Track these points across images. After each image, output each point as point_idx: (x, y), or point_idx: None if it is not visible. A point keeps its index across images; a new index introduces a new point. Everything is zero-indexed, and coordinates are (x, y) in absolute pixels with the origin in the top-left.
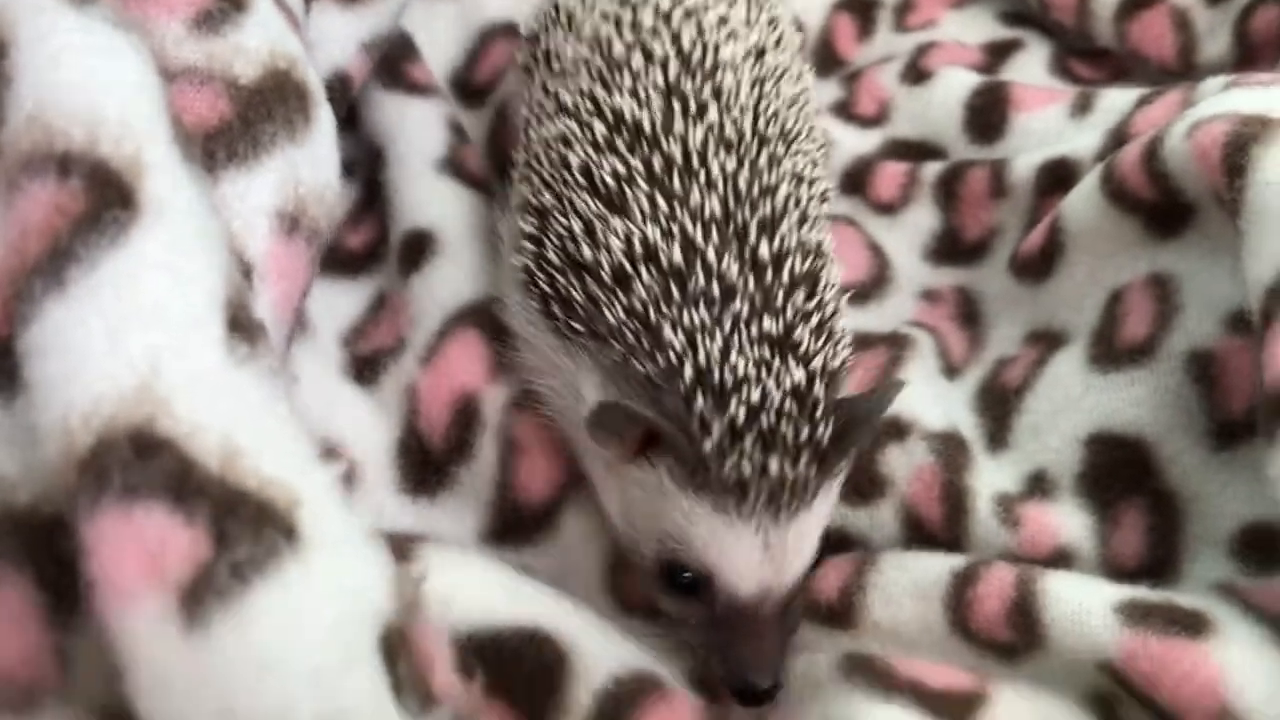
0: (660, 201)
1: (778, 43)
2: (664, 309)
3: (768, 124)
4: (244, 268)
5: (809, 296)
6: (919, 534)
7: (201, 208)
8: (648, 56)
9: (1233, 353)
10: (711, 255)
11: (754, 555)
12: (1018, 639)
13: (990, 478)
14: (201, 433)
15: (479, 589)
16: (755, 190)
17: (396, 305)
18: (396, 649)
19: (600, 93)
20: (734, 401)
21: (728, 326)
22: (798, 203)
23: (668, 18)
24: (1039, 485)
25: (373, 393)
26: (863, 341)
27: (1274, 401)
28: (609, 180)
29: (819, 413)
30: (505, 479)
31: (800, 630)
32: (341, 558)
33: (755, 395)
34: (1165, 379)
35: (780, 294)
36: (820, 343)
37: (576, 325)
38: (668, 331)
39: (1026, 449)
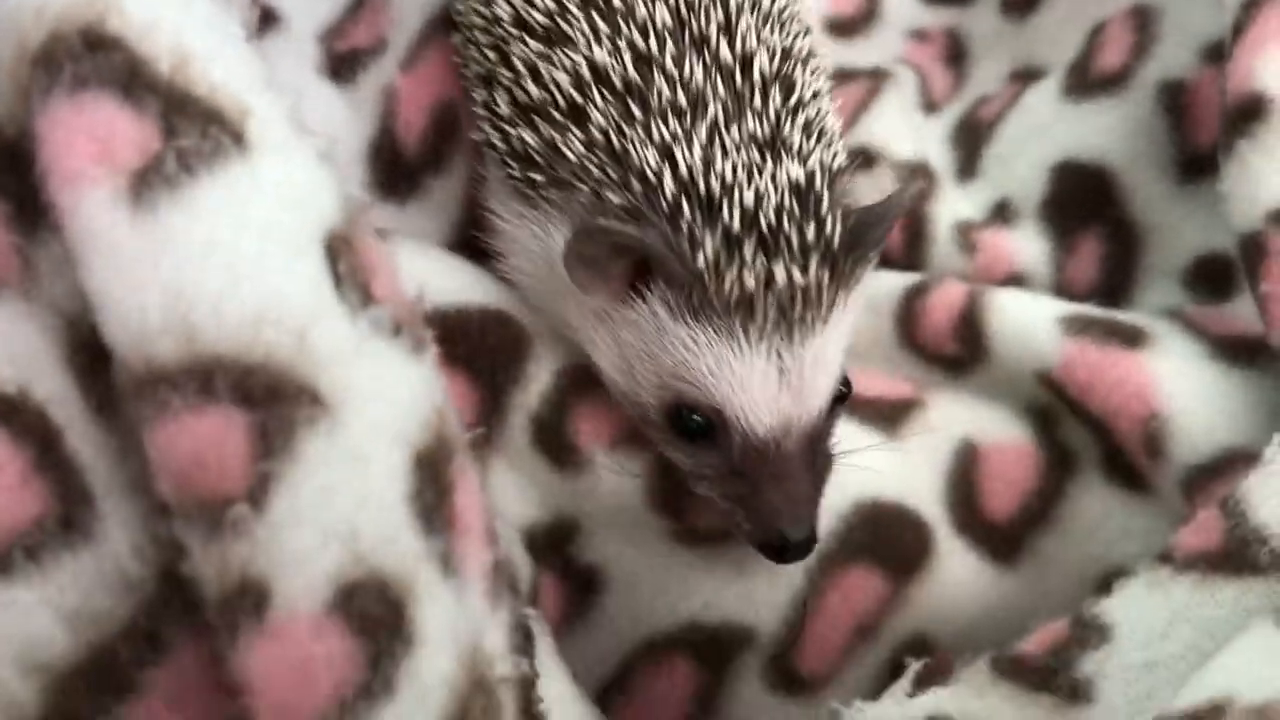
0: (601, 24)
1: None
2: (626, 131)
3: None
4: None
5: (787, 97)
6: (882, 257)
7: None
8: None
9: (1205, 83)
10: (670, 64)
11: (768, 382)
12: (963, 350)
13: (954, 206)
14: (152, 35)
15: (447, 273)
16: None
17: (377, 4)
18: (339, 250)
19: None
20: (725, 208)
21: (704, 134)
22: (755, 6)
23: None
24: (1002, 213)
25: (348, 91)
26: (845, 75)
27: (1233, 113)
28: (540, 17)
29: (825, 210)
30: (474, 198)
31: None
32: (290, 166)
33: (749, 197)
34: (1135, 108)
35: (756, 95)
36: (813, 142)
37: (536, 176)
38: (636, 152)
39: (994, 178)
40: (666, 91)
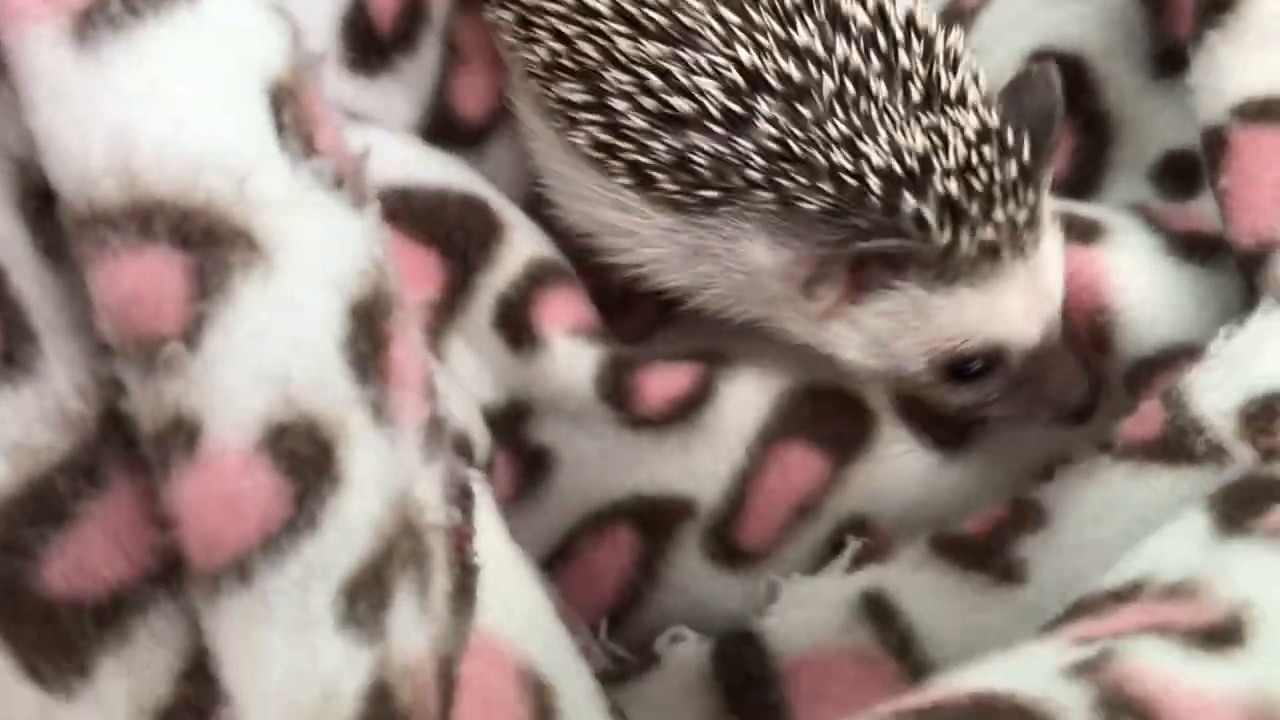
0: (727, 12)
1: None
2: (799, 133)
3: None
4: None
5: (924, 43)
6: None
7: None
8: None
9: None
10: (821, 50)
11: (1031, 303)
12: None
13: None
14: None
15: (427, 158)
16: None
17: None
18: (284, 100)
19: None
20: (934, 179)
21: (876, 115)
22: None
23: None
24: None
25: None
26: None
27: (1205, 3)
28: (652, 13)
29: (1010, 138)
30: (444, 85)
31: None
32: (237, 11)
33: (949, 161)
34: (1114, 0)
35: (901, 53)
36: (960, 73)
37: (706, 193)
38: (819, 153)
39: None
40: (830, 83)
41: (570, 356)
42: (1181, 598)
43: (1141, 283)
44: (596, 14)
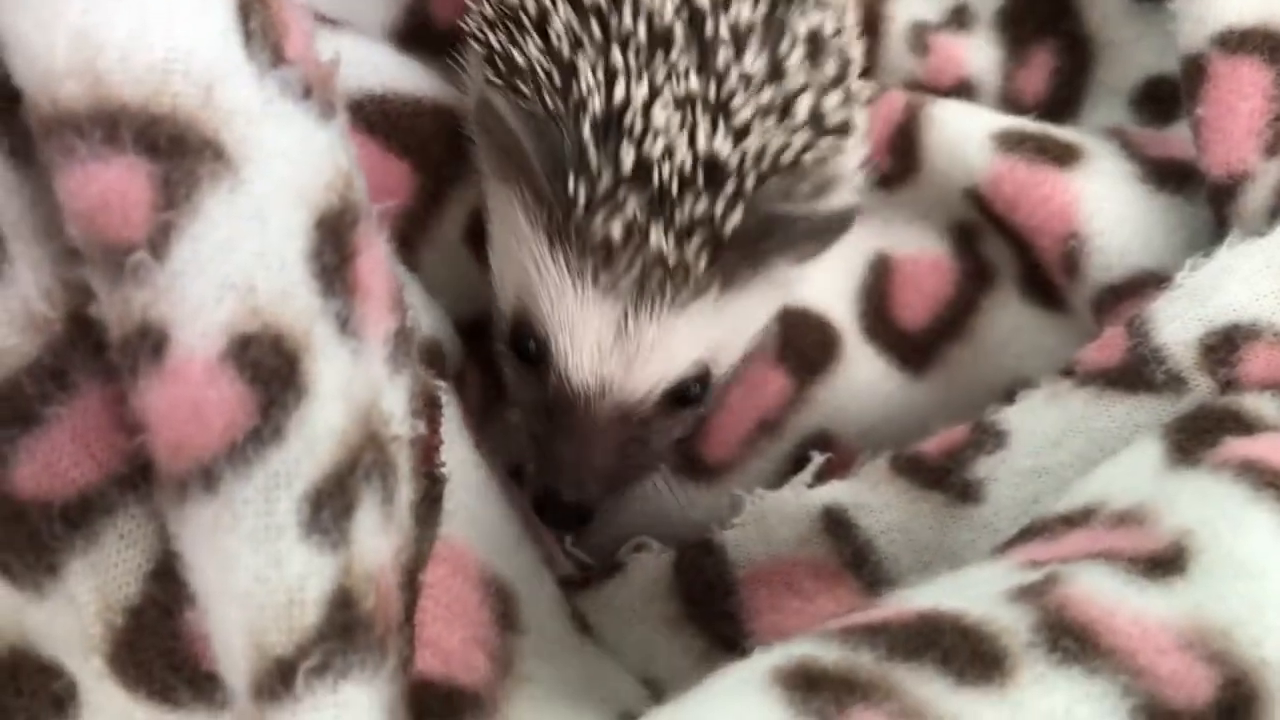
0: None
1: None
2: (580, 46)
3: None
4: None
5: (773, 75)
6: None
7: None
8: None
9: None
10: None
11: (602, 333)
12: (897, 164)
13: (911, 7)
14: None
15: (402, 68)
16: None
17: None
18: (250, 7)
19: None
20: (629, 148)
21: (659, 77)
22: None
23: None
24: (959, 17)
25: None
26: None
27: None
28: None
29: (729, 191)
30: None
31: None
32: None
33: (657, 148)
34: None
35: (722, 56)
36: (768, 125)
37: (494, 77)
38: (584, 66)
39: None
40: (628, 22)
41: None
42: (1129, 525)
43: (1113, 209)
44: None
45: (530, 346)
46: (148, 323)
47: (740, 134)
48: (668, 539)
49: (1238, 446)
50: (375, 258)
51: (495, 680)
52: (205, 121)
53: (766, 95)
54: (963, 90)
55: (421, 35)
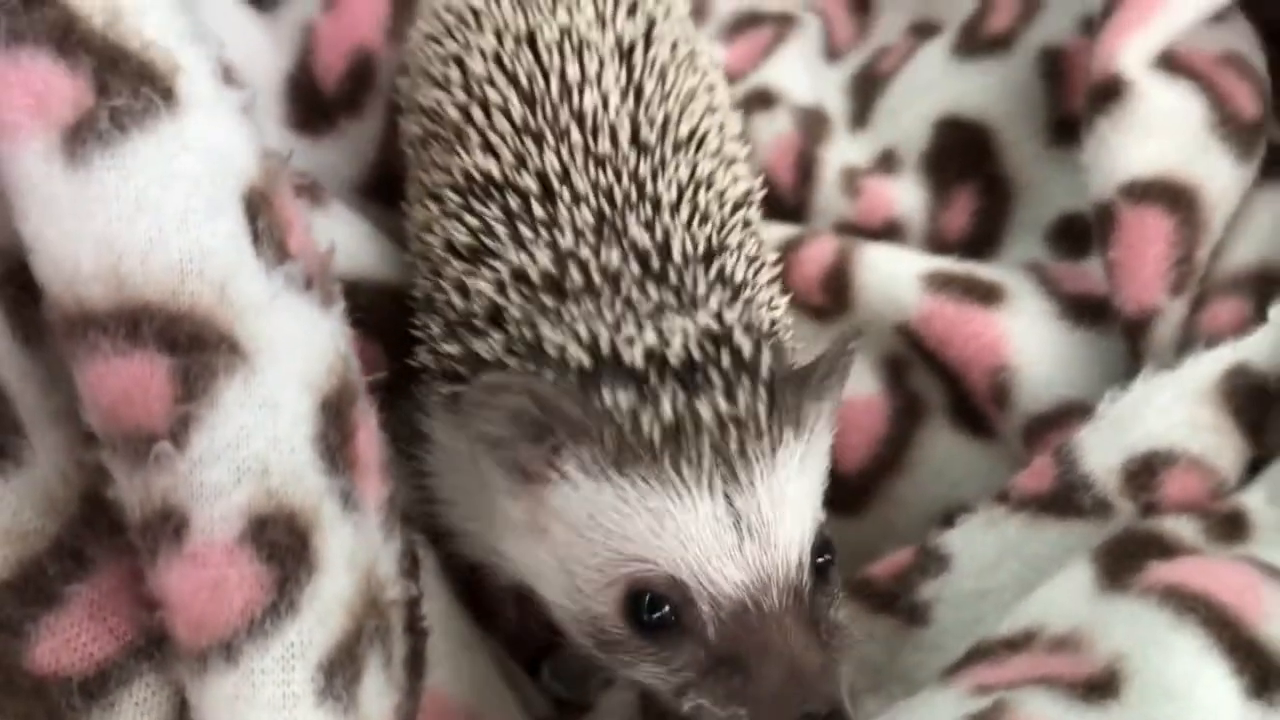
0: (525, 231)
1: (649, 30)
2: (539, 321)
3: (653, 129)
4: None
5: (712, 275)
6: (771, 195)
7: None
8: (485, 109)
9: (1082, 53)
10: (586, 253)
11: (723, 529)
12: (829, 301)
13: (844, 152)
14: None
15: (368, 246)
16: (634, 197)
17: None
18: (258, 207)
19: (452, 160)
20: (630, 354)
21: (618, 307)
22: (695, 208)
23: (498, 58)
24: (886, 162)
25: (269, 20)
26: (753, 19)
27: (1096, 90)
28: (465, 239)
29: (744, 346)
30: (390, 141)
31: None
32: (214, 122)
33: (651, 337)
34: (1017, 71)
35: (672, 273)
36: (736, 306)
37: (459, 389)
38: (549, 336)
39: (882, 129)
40: (578, 278)
41: None
42: (1067, 650)
43: (1037, 344)
44: (431, 246)
45: (655, 611)
46: (169, 507)
47: (718, 313)
48: None
49: (1162, 571)
50: (369, 430)
51: None
52: (220, 317)
53: (724, 292)
54: (891, 230)
55: (387, 188)
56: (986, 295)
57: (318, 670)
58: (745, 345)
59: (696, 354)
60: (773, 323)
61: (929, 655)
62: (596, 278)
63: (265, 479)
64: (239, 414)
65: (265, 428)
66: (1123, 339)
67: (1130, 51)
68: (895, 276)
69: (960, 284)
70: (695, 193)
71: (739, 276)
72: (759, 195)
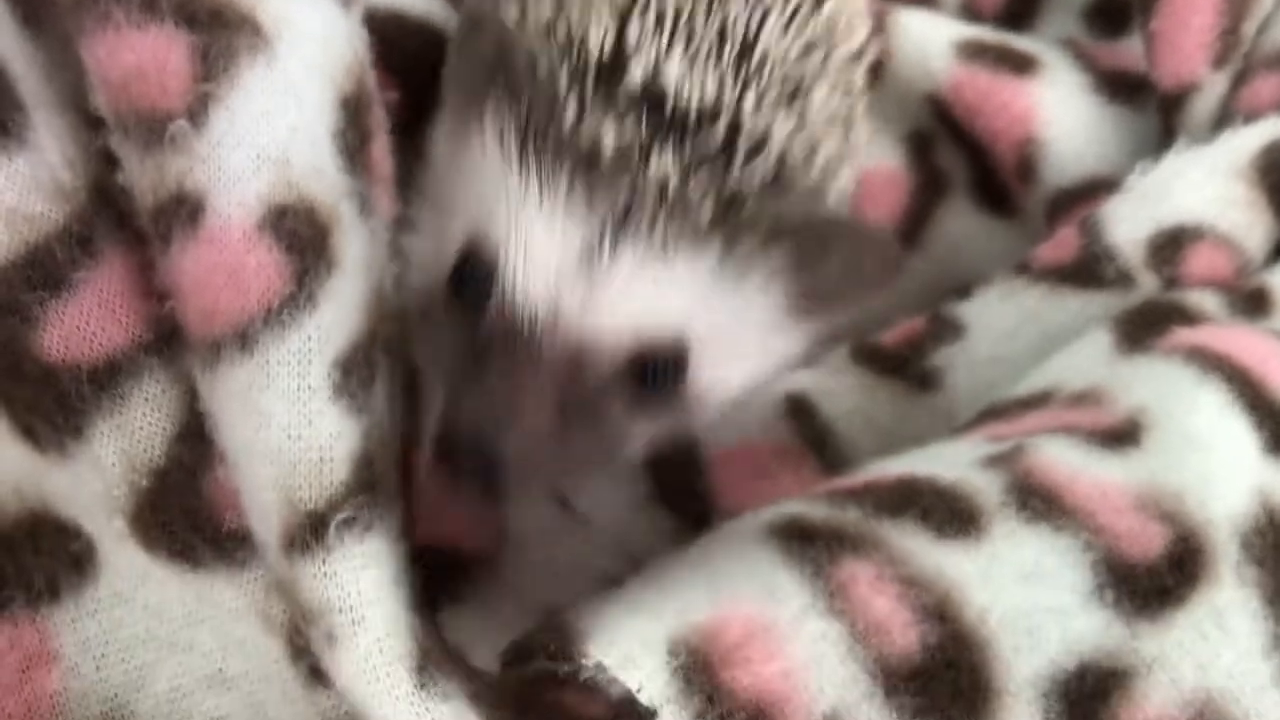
0: None
1: None
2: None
3: None
4: None
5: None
6: None
7: None
8: None
9: None
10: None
11: (565, 253)
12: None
13: None
14: None
15: None
16: None
17: None
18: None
19: None
20: (641, 66)
21: (669, 37)
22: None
23: None
24: None
25: None
26: None
27: None
28: None
29: (751, 145)
30: None
31: None
32: None
33: (669, 77)
34: None
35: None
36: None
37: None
38: (576, 16)
39: None
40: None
41: None
42: (1085, 404)
43: (1068, 117)
44: None
45: (474, 276)
46: (184, 191)
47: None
48: None
49: (1185, 335)
50: (382, 142)
51: (496, 547)
52: None
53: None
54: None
55: None
56: (1020, 65)
57: (334, 366)
58: (746, 150)
59: (693, 117)
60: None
61: (938, 419)
62: (671, 12)
63: (286, 167)
64: (261, 97)
65: (287, 114)
66: (1158, 114)
67: None
68: (929, 43)
69: (994, 53)
70: None
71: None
72: None
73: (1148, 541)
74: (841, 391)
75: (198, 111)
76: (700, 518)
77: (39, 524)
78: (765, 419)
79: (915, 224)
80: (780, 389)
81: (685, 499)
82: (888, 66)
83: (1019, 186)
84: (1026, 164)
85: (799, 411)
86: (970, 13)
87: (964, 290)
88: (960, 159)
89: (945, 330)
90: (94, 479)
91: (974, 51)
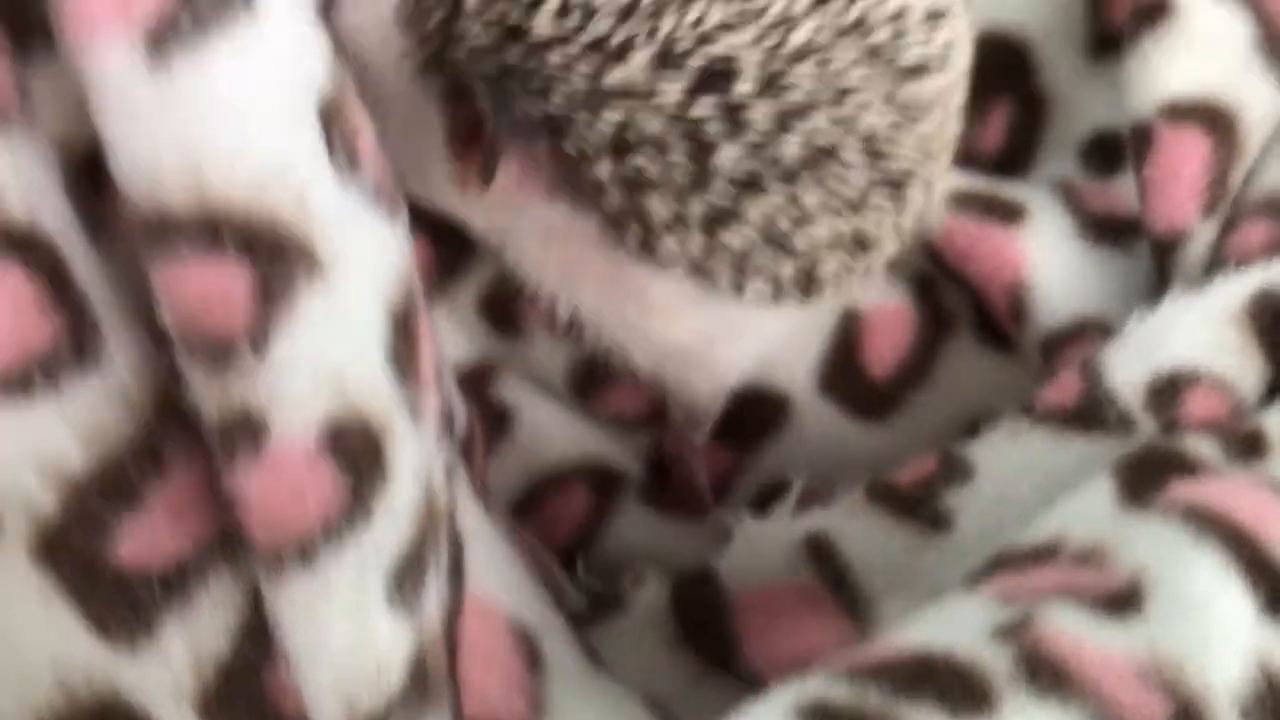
0: None
1: None
2: None
3: None
4: None
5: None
6: None
7: None
8: None
9: None
10: None
11: None
12: None
13: None
14: None
15: None
16: None
17: None
18: (332, 116)
19: None
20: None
21: None
22: None
23: None
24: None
25: None
26: None
27: (1142, 7)
28: None
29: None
30: None
31: None
32: (290, 31)
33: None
34: None
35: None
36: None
37: None
38: None
39: None
40: None
41: (550, 348)
42: (1090, 564)
43: (1055, 262)
44: None
45: None
46: (248, 412)
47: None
48: (665, 561)
49: (1182, 489)
50: (429, 341)
51: (532, 718)
52: (300, 226)
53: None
54: None
55: None
56: (1007, 213)
57: (389, 576)
58: None
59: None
60: None
61: (950, 560)
62: None
63: (343, 388)
64: (318, 323)
65: (343, 337)
66: (1149, 257)
67: None
68: None
69: (983, 202)
70: None
71: None
72: None
73: (1150, 712)
74: (859, 533)
75: (259, 339)
76: (723, 660)
77: (109, 711)
78: (788, 560)
79: (924, 359)
80: (800, 529)
81: (710, 641)
82: None
83: (1013, 327)
84: (1017, 307)
85: (819, 552)
86: (969, 154)
87: (973, 427)
88: (961, 299)
89: (955, 471)
90: (163, 671)
91: (964, 201)
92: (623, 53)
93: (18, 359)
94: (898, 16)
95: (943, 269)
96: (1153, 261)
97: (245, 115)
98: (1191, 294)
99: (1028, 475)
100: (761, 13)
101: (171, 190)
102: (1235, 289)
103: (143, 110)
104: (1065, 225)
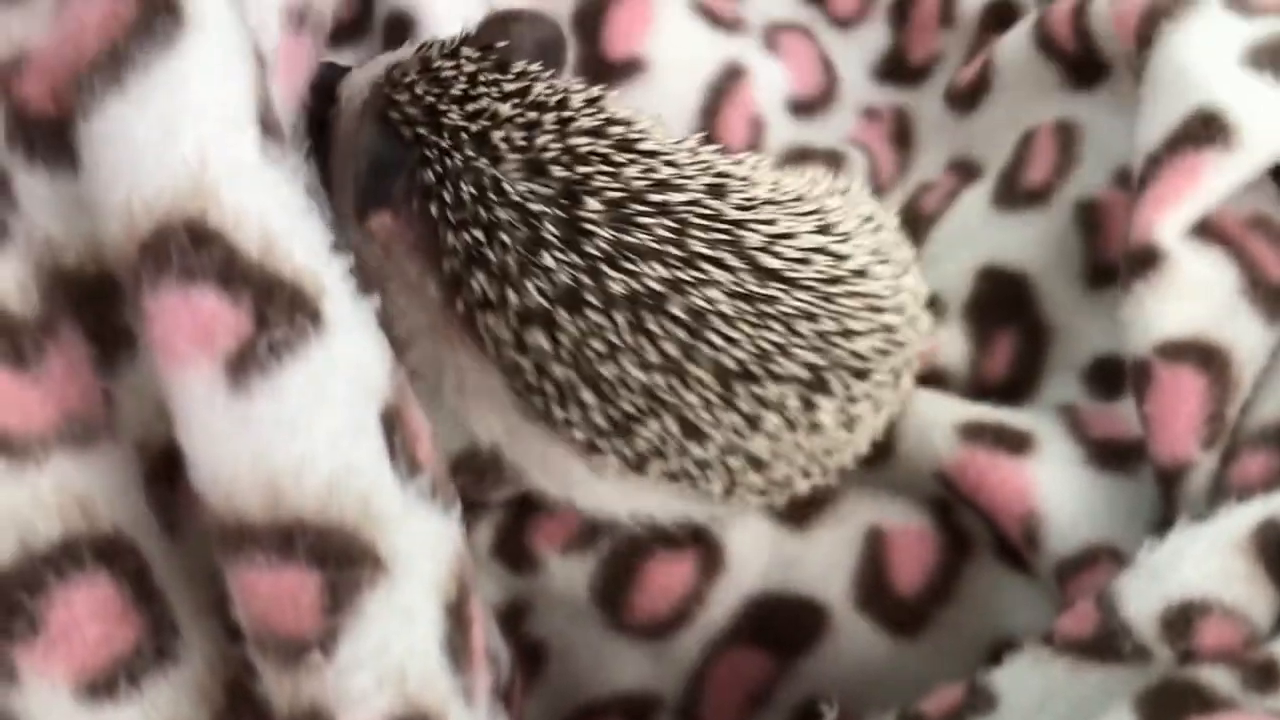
0: None
1: None
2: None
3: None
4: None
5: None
6: None
7: (234, 17)
8: None
9: (1117, 205)
10: None
11: None
12: (874, 446)
13: None
14: (244, 224)
15: None
16: None
17: None
18: (393, 422)
19: None
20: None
21: None
22: None
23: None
24: (932, 308)
25: None
26: (804, 154)
27: (1133, 257)
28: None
29: None
30: None
31: None
32: (354, 340)
33: None
34: (1055, 223)
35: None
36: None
37: None
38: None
39: (927, 275)
40: None
41: (567, 570)
42: None
43: (1064, 491)
44: None
45: None
46: (316, 709)
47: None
48: None
49: None
50: (479, 622)
51: None
52: (364, 531)
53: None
54: (935, 378)
55: None
56: (1016, 444)
57: None
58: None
59: None
60: None
61: None
62: None
63: (404, 684)
64: (381, 624)
65: (404, 636)
66: (1155, 484)
67: (1166, 225)
68: (933, 425)
69: (992, 433)
70: None
71: None
72: None
73: None
74: None
75: (327, 641)
76: None
77: None
78: None
79: (947, 579)
80: None
81: None
82: (896, 443)
83: (1028, 553)
84: (1029, 535)
85: None
86: (976, 384)
87: (997, 652)
88: (979, 522)
89: (980, 701)
90: None
91: (974, 433)
92: None
93: (105, 664)
94: None
95: (957, 496)
96: (1158, 489)
97: (314, 431)
98: (1198, 523)
99: (1050, 706)
100: None
101: (247, 501)
102: (1239, 520)
103: (221, 430)
104: (1072, 453)
